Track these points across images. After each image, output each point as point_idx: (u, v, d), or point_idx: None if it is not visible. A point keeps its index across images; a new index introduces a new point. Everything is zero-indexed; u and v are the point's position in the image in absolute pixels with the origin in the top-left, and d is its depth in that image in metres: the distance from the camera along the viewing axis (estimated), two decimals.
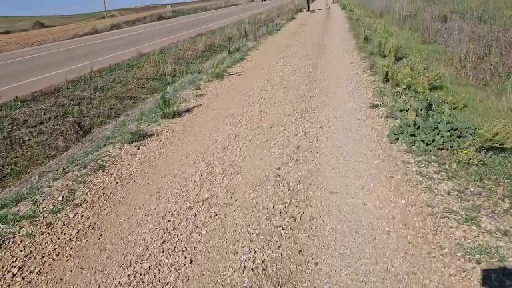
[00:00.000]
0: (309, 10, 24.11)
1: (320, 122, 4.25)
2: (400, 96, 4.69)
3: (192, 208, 2.76)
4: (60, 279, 2.19)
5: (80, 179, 3.39)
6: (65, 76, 9.04)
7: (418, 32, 11.24)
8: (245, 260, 2.18)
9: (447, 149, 3.25)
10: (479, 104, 4.52)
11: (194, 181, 3.17)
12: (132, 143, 4.10)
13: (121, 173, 3.45)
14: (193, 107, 5.27)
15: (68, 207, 2.92)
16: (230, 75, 7.20)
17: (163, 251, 2.33)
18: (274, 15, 21.70)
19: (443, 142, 3.31)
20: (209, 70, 7.08)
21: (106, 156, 3.86)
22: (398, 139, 3.55)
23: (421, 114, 3.92)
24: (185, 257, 2.25)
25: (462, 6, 13.57)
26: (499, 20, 8.62)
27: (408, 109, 4.10)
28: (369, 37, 9.38)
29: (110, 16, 78.80)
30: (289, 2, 36.63)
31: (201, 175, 3.26)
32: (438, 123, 3.59)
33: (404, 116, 4.04)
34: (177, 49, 12.85)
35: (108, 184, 3.26)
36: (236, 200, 2.82)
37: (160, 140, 4.14)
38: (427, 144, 3.34)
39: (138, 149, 3.96)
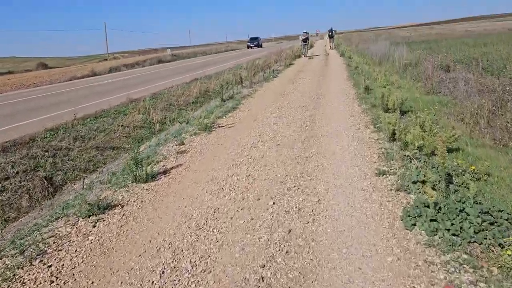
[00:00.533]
0: (307, 56, 24.26)
1: (317, 193, 3.55)
2: (410, 161, 4.03)
3: None
4: None
5: (8, 272, 2.62)
6: (47, 123, 8.50)
7: (420, 82, 10.84)
8: None
9: (480, 243, 2.52)
10: (504, 172, 3.84)
11: (152, 282, 2.41)
12: (89, 217, 3.37)
13: (63, 265, 2.68)
14: (172, 168, 4.57)
15: None
16: (219, 127, 6.59)
17: None
18: (272, 61, 21.67)
19: (474, 231, 2.59)
20: (196, 122, 6.47)
21: (53, 236, 3.11)
22: (415, 224, 2.83)
23: (440, 188, 3.24)
24: None
25: (464, 56, 13.34)
26: (510, 71, 8.18)
27: (423, 180, 3.42)
28: (370, 86, 8.91)
29: (112, 58, 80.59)
30: (287, 48, 37.25)
31: (163, 272, 2.50)
32: (463, 203, 2.89)
33: (419, 190, 3.34)
34: (170, 94, 12.44)
35: (40, 284, 2.49)
36: None
37: (124, 214, 3.40)
38: (454, 235, 2.62)
39: (94, 226, 3.21)
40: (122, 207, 3.55)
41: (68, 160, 6.85)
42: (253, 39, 55.62)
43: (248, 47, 53.53)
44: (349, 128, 5.80)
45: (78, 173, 6.30)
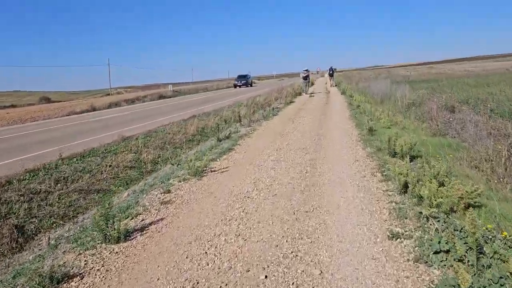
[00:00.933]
0: (308, 94, 24.18)
1: (319, 262, 2.93)
2: (427, 220, 3.44)
3: None
4: None
5: None
6: (30, 163, 7.99)
7: (425, 123, 10.40)
8: None
9: None
10: None
11: None
12: None
13: None
14: (152, 223, 3.97)
15: None
16: (212, 171, 6.04)
17: None
18: (273, 98, 21.48)
19: None
20: (187, 165, 5.92)
21: None
22: None
23: (469, 262, 2.64)
24: None
25: (468, 96, 13.01)
26: None
27: (447, 250, 2.82)
28: (373, 127, 8.45)
29: (116, 93, 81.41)
30: (288, 85, 37.42)
31: None
32: (502, 285, 2.29)
33: (443, 263, 2.74)
34: (166, 132, 12.02)
35: None
36: None
37: None
38: None
39: None
40: (82, 278, 2.92)
41: (46, 205, 6.28)
42: (241, 77, 50.10)
43: (235, 86, 48.02)
44: (354, 175, 5.24)
45: (55, 220, 5.72)
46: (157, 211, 4.33)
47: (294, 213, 3.97)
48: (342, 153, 6.61)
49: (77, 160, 8.38)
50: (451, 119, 10.02)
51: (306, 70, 25.71)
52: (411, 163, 5.55)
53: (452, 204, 3.70)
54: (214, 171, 6.04)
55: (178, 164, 6.96)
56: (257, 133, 9.62)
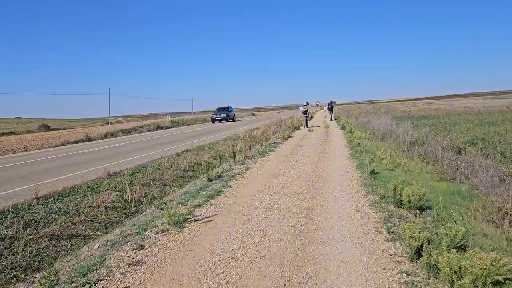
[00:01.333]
0: (307, 127, 23.89)
1: None
2: None
3: None
4: None
5: None
6: (3, 202, 7.35)
7: (430, 164, 9.82)
8: None
9: None
10: None
11: None
12: None
13: None
14: None
15: None
16: (196, 220, 5.37)
17: None
18: (270, 132, 21.05)
19: None
20: (167, 213, 5.26)
21: None
22: None
23: None
24: None
25: (473, 136, 12.51)
26: None
27: None
28: (376, 169, 7.86)
29: (116, 122, 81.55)
30: (287, 118, 37.19)
31: None
32: None
33: None
34: (156, 167, 11.42)
35: None
36: None
37: None
38: None
39: None
40: None
41: (9, 254, 5.59)
42: (220, 110, 42.27)
43: (213, 120, 40.14)
44: (356, 230, 4.58)
45: (16, 274, 5.01)
46: (122, 276, 3.63)
47: (284, 285, 3.30)
48: (342, 201, 5.97)
49: (54, 199, 7.72)
50: (458, 162, 9.45)
51: (306, 103, 25.88)
52: (420, 215, 4.92)
53: (476, 276, 3.04)
54: (198, 220, 5.38)
55: (161, 209, 6.30)
56: (251, 172, 9.01)
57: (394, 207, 5.39)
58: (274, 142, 15.53)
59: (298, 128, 23.63)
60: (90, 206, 7.70)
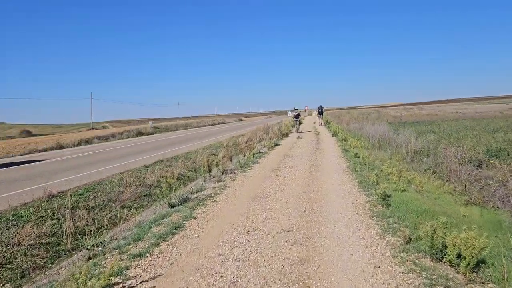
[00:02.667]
0: (298, 132, 22.92)
1: None
2: None
3: None
4: None
5: None
6: None
7: (445, 181, 8.09)
8: None
9: None
10: None
11: None
12: None
13: None
14: None
15: None
16: (130, 279, 3.46)
17: None
18: (256, 140, 19.20)
19: None
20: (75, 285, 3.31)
21: None
22: None
23: None
24: None
25: (489, 145, 10.84)
26: None
27: None
28: (387, 192, 6.02)
29: (101, 127, 78.99)
30: (275, 123, 35.42)
31: None
32: None
33: None
34: (115, 184, 9.46)
35: None
36: None
37: None
38: None
39: None
40: None
41: None
42: None
43: None
44: None
45: None
46: None
47: None
48: (350, 247, 4.08)
49: None
50: (482, 179, 7.73)
51: (296, 109, 25.18)
52: (474, 274, 3.13)
53: None
54: (137, 281, 3.46)
55: (89, 258, 4.35)
56: (227, 193, 7.09)
57: (431, 260, 3.57)
58: (260, 152, 13.64)
59: (287, 135, 21.79)
60: (7, 244, 5.74)
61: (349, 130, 24.54)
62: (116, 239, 5.17)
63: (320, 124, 32.11)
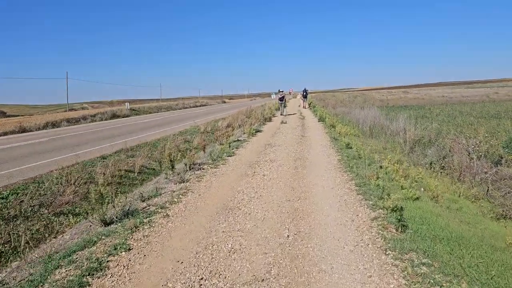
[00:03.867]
0: (283, 114, 22.74)
1: None
2: None
3: None
4: None
5: None
6: None
7: (462, 183, 6.60)
8: None
9: None
10: None
11: None
12: None
13: None
14: None
15: None
16: None
17: None
18: (236, 125, 17.48)
19: None
20: None
21: None
22: None
23: None
24: None
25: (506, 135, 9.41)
26: None
27: None
28: (398, 202, 4.44)
29: (81, 108, 75.81)
30: (258, 106, 33.67)
31: None
32: None
33: None
34: (54, 183, 7.66)
35: None
36: None
37: None
38: None
39: None
40: None
41: None
42: None
43: None
44: None
45: None
46: None
47: None
48: None
49: None
50: (504, 179, 6.27)
51: (281, 91, 24.37)
52: None
53: None
54: None
55: None
56: (186, 202, 5.40)
57: None
58: (238, 140, 11.96)
59: (270, 119, 20.13)
60: None
61: (336, 114, 23.03)
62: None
63: (304, 107, 31.25)
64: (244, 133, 13.50)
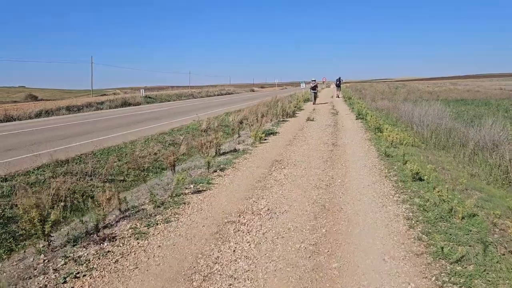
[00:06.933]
0: (315, 104, 22.86)
1: None
2: None
3: None
4: None
5: None
6: None
7: None
8: None
9: None
10: None
11: None
12: None
13: None
14: None
15: None
16: None
17: None
18: (250, 120, 13.54)
19: None
20: None
21: None
22: None
23: None
24: None
25: None
26: None
27: None
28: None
29: (113, 94, 75.00)
30: (286, 96, 29.69)
31: None
32: None
33: None
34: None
35: None
36: None
37: None
38: None
39: None
40: None
41: None
42: None
43: None
44: None
45: None
46: None
47: None
48: None
49: None
50: None
51: (314, 80, 23.89)
52: None
53: None
54: None
55: None
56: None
57: None
58: (234, 150, 8.02)
59: (293, 114, 15.99)
60: None
61: (378, 109, 18.53)
62: None
63: (338, 96, 29.68)
64: (249, 137, 9.48)
